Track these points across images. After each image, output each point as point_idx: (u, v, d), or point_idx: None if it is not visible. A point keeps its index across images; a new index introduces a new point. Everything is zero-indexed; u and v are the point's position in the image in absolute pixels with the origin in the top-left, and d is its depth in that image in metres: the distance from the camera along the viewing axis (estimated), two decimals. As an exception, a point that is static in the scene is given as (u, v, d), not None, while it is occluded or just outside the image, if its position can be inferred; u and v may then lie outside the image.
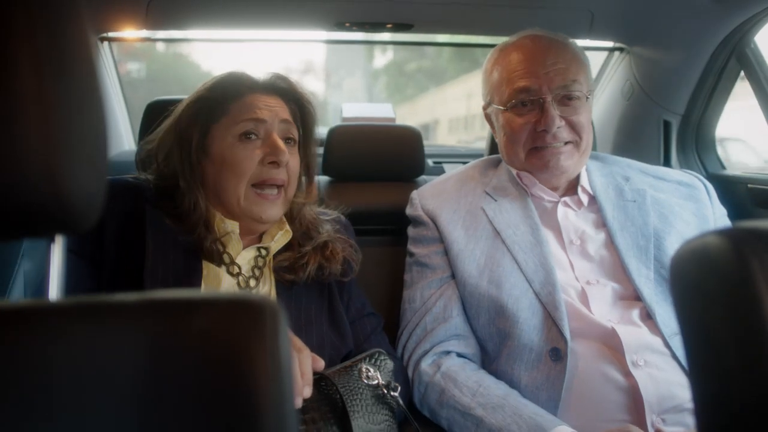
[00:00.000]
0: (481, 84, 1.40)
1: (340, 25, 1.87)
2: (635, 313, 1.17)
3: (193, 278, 1.09)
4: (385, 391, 1.07)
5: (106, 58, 2.09)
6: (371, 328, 1.28)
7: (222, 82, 1.16)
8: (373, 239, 1.57)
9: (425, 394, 1.21)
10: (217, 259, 1.12)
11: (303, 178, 1.24)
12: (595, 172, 1.36)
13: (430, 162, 2.13)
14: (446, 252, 1.30)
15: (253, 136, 1.12)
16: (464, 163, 1.57)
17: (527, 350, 1.17)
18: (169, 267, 1.08)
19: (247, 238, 1.18)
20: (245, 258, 1.16)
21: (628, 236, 1.25)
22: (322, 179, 1.71)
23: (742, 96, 1.90)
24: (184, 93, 1.23)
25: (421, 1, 1.75)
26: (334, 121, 2.53)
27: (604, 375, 1.12)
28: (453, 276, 1.28)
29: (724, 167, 1.97)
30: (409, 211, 1.41)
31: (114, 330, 0.46)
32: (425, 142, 1.73)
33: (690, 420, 1.10)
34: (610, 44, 2.07)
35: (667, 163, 1.95)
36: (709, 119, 1.94)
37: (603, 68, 2.18)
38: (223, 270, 1.13)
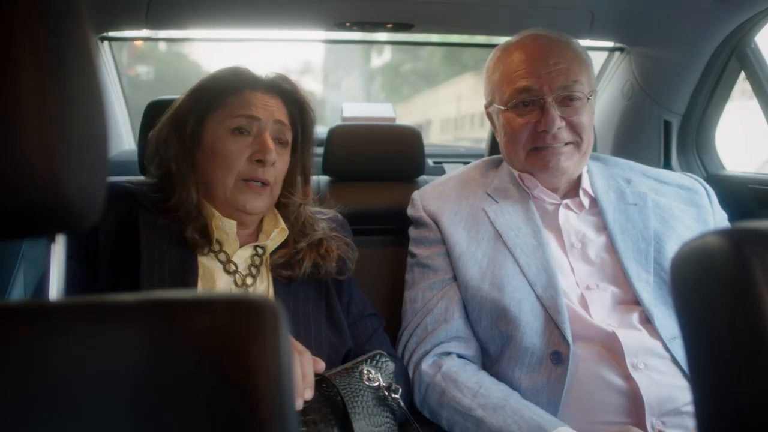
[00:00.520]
0: (483, 83, 1.40)
1: (341, 25, 1.87)
2: (634, 317, 1.17)
3: (189, 277, 1.10)
4: (386, 393, 1.07)
5: (106, 57, 2.09)
6: (372, 329, 1.28)
7: (225, 74, 1.18)
8: (373, 239, 1.57)
9: (426, 394, 1.21)
10: (203, 249, 1.13)
11: (299, 179, 1.24)
12: (597, 174, 1.36)
13: (430, 162, 2.13)
14: (448, 254, 1.30)
15: (245, 132, 1.14)
16: (464, 163, 1.57)
17: (529, 353, 1.17)
18: (165, 267, 1.09)
19: (243, 237, 1.19)
20: (242, 256, 1.17)
21: (628, 239, 1.25)
22: (322, 179, 1.71)
23: (736, 97, 1.91)
24: (181, 91, 1.24)
25: (421, 1, 1.75)
26: (332, 120, 2.54)
27: (604, 378, 1.12)
28: (455, 278, 1.28)
29: (724, 167, 1.97)
30: (410, 212, 1.41)
31: (114, 330, 0.46)
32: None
33: (690, 422, 1.10)
34: (610, 44, 2.07)
35: (667, 163, 1.95)
36: (710, 119, 1.94)
37: (603, 68, 2.18)
38: (219, 269, 1.14)
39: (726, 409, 0.51)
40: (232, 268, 1.15)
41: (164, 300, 0.48)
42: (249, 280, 1.16)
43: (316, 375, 0.99)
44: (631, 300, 1.20)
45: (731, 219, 1.38)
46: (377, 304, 1.37)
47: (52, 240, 0.56)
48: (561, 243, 1.27)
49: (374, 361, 1.11)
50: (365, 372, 1.07)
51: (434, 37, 2.47)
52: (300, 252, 1.18)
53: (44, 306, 0.48)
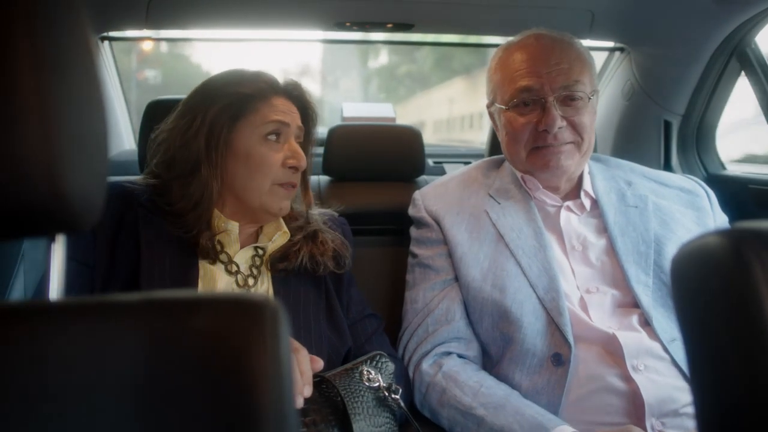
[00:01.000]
0: (485, 83, 1.40)
1: (341, 25, 1.87)
2: (634, 320, 1.17)
3: (190, 278, 1.10)
4: (387, 394, 1.07)
5: (106, 57, 2.09)
6: (372, 330, 1.28)
7: (251, 79, 1.17)
8: (374, 239, 1.57)
9: (426, 394, 1.21)
10: (214, 257, 1.13)
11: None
12: (598, 176, 1.36)
13: (430, 162, 2.13)
14: (450, 254, 1.30)
15: (276, 137, 1.14)
16: (465, 163, 1.56)
17: (530, 355, 1.17)
18: (165, 267, 1.09)
19: (244, 238, 1.19)
20: (243, 257, 1.17)
21: (628, 241, 1.25)
22: (322, 179, 1.71)
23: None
24: (185, 93, 1.23)
25: (422, 1, 1.75)
26: (330, 119, 2.54)
27: (604, 379, 1.12)
28: (456, 279, 1.28)
29: (724, 168, 1.97)
30: (411, 212, 1.41)
31: (114, 330, 0.46)
32: None
33: (689, 423, 1.10)
34: (610, 44, 2.06)
35: (667, 163, 1.95)
36: (710, 119, 1.94)
37: (603, 68, 2.18)
38: (219, 269, 1.14)
39: (726, 409, 0.50)
40: (234, 269, 1.15)
41: (164, 300, 0.48)
42: (251, 281, 1.16)
43: (317, 375, 0.99)
44: (630, 303, 1.20)
45: (731, 219, 1.38)
46: (377, 304, 1.37)
47: (52, 240, 0.56)
48: (562, 245, 1.27)
49: (374, 362, 1.11)
50: (365, 372, 1.07)
51: (429, 38, 2.46)
52: (296, 244, 1.19)
53: (44, 306, 0.48)
